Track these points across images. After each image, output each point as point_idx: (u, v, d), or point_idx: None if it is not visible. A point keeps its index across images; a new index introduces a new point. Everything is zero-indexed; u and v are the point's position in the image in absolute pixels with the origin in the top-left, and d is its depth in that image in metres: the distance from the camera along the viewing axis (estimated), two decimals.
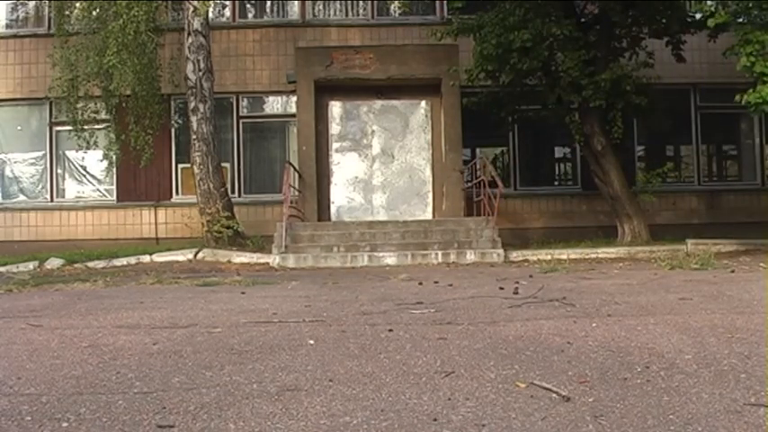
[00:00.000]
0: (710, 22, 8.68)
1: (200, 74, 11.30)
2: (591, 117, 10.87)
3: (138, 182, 13.19)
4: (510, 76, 10.52)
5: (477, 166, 12.41)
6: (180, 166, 13.34)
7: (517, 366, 2.23)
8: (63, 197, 13.61)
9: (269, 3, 14.17)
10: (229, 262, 9.85)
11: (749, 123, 13.85)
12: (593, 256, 9.54)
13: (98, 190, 13.66)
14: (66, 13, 11.82)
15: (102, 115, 12.22)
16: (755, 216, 12.71)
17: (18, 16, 14.00)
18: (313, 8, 13.89)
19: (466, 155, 13.05)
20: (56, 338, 2.99)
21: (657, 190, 11.35)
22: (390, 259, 9.51)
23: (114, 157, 12.38)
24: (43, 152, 13.56)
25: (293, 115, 12.91)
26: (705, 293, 4.09)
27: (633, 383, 1.98)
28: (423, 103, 12.67)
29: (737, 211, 13.23)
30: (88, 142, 11.98)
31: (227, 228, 10.95)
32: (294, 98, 12.63)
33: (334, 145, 12.63)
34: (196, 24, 11.24)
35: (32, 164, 13.68)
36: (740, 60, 8.31)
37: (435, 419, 1.69)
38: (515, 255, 9.76)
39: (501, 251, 9.70)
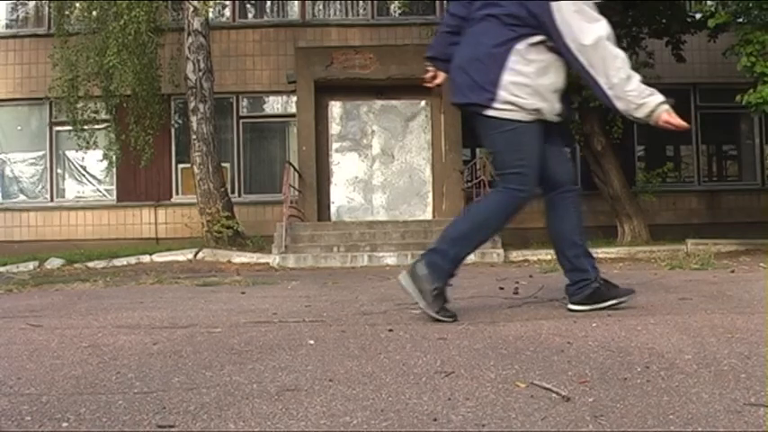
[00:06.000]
0: (710, 23, 8.69)
1: (200, 74, 11.31)
2: (591, 117, 10.87)
3: (138, 182, 13.19)
4: None
5: (477, 166, 12.40)
6: (180, 166, 13.36)
7: (517, 366, 2.23)
8: (63, 197, 13.62)
9: (269, 3, 14.18)
10: (229, 262, 9.84)
11: (749, 123, 13.85)
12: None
13: (98, 190, 13.67)
14: (66, 13, 11.83)
15: (102, 115, 12.24)
16: (755, 216, 12.72)
17: (18, 16, 14.01)
18: (313, 8, 13.89)
19: (466, 155, 13.05)
20: (56, 338, 2.99)
21: (657, 190, 11.36)
22: (390, 259, 9.50)
23: (114, 157, 12.40)
24: (43, 152, 13.57)
25: (293, 115, 12.92)
26: (705, 293, 4.08)
27: (633, 383, 1.98)
28: (423, 103, 12.67)
29: (737, 211, 13.23)
30: (88, 142, 12.00)
31: (227, 228, 10.95)
32: (294, 98, 12.64)
33: (334, 145, 12.63)
34: (196, 24, 11.25)
35: (32, 164, 13.70)
36: (740, 60, 8.32)
37: (435, 419, 1.68)
38: (515, 255, 9.76)
39: (501, 251, 9.70)
